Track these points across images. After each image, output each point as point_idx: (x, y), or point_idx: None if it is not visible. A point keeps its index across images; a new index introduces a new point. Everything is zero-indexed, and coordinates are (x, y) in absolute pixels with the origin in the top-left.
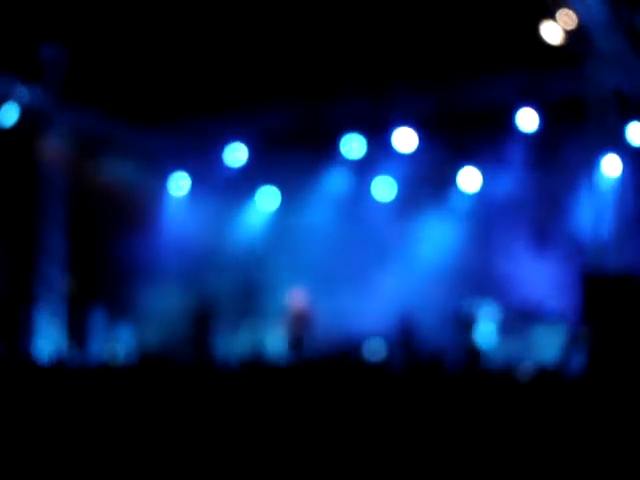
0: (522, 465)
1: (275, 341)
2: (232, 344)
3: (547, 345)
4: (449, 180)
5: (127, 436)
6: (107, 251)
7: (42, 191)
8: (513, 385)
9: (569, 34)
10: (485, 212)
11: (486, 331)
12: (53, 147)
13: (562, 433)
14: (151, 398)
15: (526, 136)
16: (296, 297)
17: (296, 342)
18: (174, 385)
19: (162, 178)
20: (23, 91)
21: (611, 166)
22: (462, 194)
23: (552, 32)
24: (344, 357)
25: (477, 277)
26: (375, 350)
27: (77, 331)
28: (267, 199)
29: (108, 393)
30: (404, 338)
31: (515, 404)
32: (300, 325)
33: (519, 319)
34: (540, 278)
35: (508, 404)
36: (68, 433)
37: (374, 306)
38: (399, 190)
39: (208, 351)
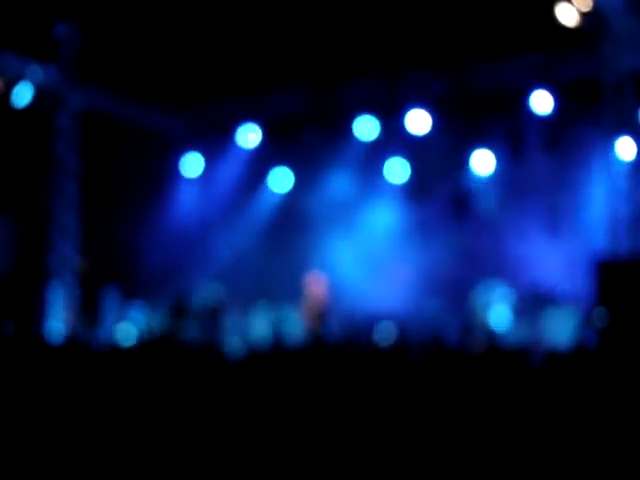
0: (534, 446)
1: (292, 325)
2: (249, 329)
3: (560, 328)
4: (462, 162)
5: (135, 418)
6: (120, 231)
7: (55, 170)
8: (527, 366)
9: (585, 16)
10: (499, 194)
11: (500, 314)
12: (66, 126)
13: (574, 414)
14: (160, 380)
15: (540, 118)
16: (313, 281)
17: (313, 327)
18: (183, 368)
19: (175, 159)
20: (37, 71)
21: (626, 149)
22: (474, 176)
23: (567, 14)
24: (357, 342)
25: (490, 259)
26: (386, 334)
27: (90, 310)
28: (280, 180)
29: (118, 373)
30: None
31: (529, 384)
32: (317, 310)
33: (532, 302)
34: (553, 261)
35: (522, 384)
36: (77, 413)
37: (386, 289)
38: (412, 172)
39: (218, 338)
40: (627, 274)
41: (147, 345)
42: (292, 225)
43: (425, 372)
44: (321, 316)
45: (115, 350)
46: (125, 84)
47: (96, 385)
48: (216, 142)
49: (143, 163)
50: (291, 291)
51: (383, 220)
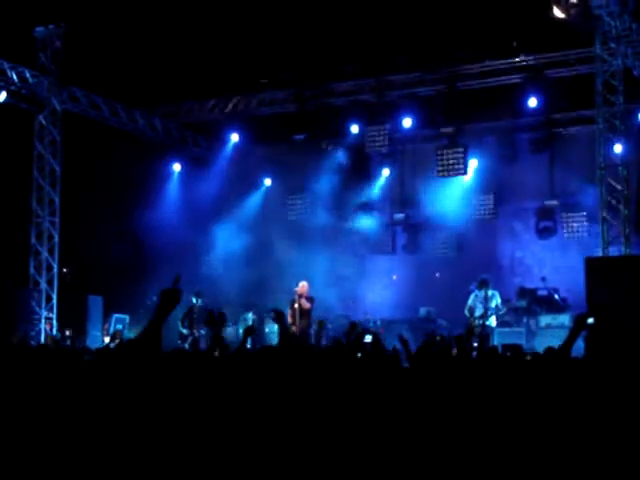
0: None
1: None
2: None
3: (552, 331)
4: (452, 162)
5: (115, 423)
6: (102, 238)
7: (36, 172)
8: (520, 367)
9: (577, 8)
10: (490, 193)
11: (490, 318)
12: (48, 129)
13: (566, 412)
14: (138, 382)
15: (533, 117)
16: (301, 290)
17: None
18: (160, 371)
19: (160, 162)
20: (18, 73)
21: (619, 147)
22: (465, 174)
23: (561, 7)
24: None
25: (483, 262)
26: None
27: (72, 318)
28: (267, 184)
29: (98, 379)
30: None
31: (519, 385)
32: (303, 317)
33: (525, 305)
34: (547, 263)
35: (515, 385)
36: (57, 420)
37: (378, 293)
38: (400, 171)
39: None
40: (613, 270)
41: (127, 349)
42: (280, 232)
43: (419, 374)
44: (307, 322)
45: (96, 355)
46: (107, 86)
47: (76, 391)
48: (202, 145)
49: (127, 167)
50: (277, 300)
51: (373, 224)
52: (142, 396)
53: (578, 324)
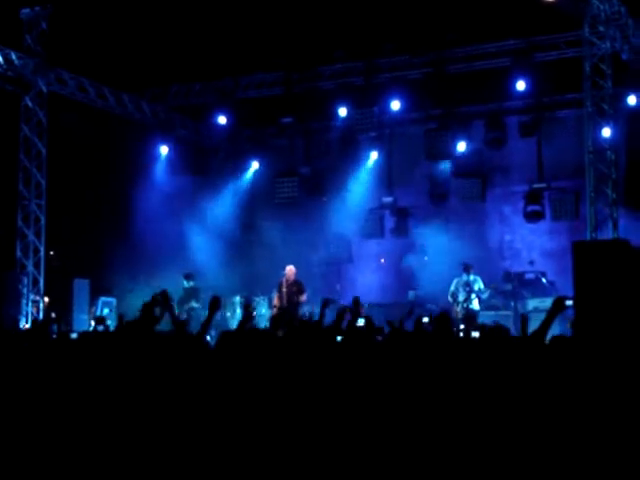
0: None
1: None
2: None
3: (540, 315)
4: (440, 145)
5: (104, 406)
6: (89, 221)
7: (22, 155)
8: (505, 351)
9: None
10: (479, 177)
11: (473, 301)
12: (34, 111)
13: (550, 394)
14: (131, 366)
15: (521, 100)
16: (288, 273)
17: (286, 316)
18: (153, 354)
19: (147, 145)
20: (3, 54)
21: (608, 131)
22: (454, 159)
23: None
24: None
25: (472, 245)
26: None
27: (58, 301)
28: (254, 167)
29: (86, 362)
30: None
31: (507, 369)
32: (292, 300)
33: (512, 289)
34: (535, 247)
35: (500, 369)
36: (45, 402)
37: (366, 277)
38: (388, 154)
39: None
40: (601, 254)
41: (118, 332)
42: (267, 215)
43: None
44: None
45: (83, 339)
46: (94, 69)
47: (62, 374)
48: (189, 127)
49: (114, 149)
50: (264, 285)
51: (361, 207)
52: (131, 378)
53: (556, 306)
